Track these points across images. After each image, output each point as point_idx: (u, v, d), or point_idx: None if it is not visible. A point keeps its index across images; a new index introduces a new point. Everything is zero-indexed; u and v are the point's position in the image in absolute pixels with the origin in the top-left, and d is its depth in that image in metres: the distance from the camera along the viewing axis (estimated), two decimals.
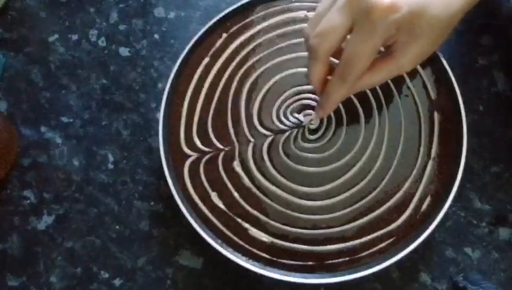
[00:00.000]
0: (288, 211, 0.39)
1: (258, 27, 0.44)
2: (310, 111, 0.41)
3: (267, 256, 0.38)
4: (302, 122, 0.41)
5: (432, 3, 0.34)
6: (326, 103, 0.37)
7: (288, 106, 0.42)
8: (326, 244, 0.38)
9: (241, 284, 0.40)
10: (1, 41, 0.47)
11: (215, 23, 0.44)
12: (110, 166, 0.43)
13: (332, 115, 0.41)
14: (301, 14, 0.44)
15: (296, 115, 0.41)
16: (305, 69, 0.43)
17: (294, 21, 0.44)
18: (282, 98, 0.42)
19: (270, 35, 0.44)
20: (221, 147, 0.41)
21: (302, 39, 0.43)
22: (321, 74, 0.36)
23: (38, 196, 0.43)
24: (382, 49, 0.38)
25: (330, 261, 0.37)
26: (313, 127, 0.41)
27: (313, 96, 0.42)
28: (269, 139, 0.41)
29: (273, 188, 0.39)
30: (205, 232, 0.38)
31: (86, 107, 0.45)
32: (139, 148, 0.44)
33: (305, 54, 0.43)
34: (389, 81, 0.42)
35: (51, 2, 0.49)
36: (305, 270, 0.37)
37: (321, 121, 0.41)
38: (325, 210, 0.39)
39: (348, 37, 0.34)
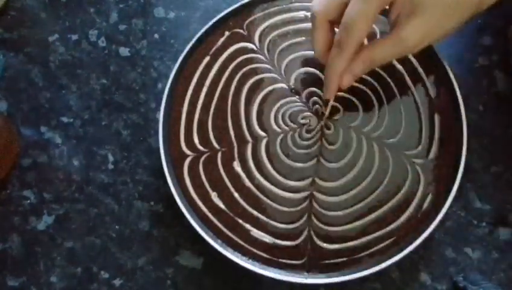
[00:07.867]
0: (289, 211, 0.39)
1: (258, 27, 0.44)
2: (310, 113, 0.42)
3: (267, 256, 0.38)
4: (301, 124, 0.41)
5: None
6: (327, 77, 0.37)
7: (288, 106, 0.42)
8: (326, 244, 0.38)
9: (241, 284, 0.40)
10: (1, 41, 0.47)
11: (215, 23, 0.44)
12: (110, 166, 0.43)
13: (335, 111, 0.41)
14: (301, 14, 0.44)
15: (296, 115, 0.41)
16: (305, 69, 0.43)
17: (295, 21, 0.44)
18: (282, 98, 0.42)
19: (270, 35, 0.44)
20: (221, 147, 0.41)
21: (302, 39, 0.43)
22: (322, 42, 0.37)
23: (38, 196, 0.43)
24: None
25: (330, 261, 0.37)
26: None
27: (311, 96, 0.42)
28: (269, 139, 0.41)
29: (272, 187, 0.39)
30: (205, 232, 0.38)
31: (86, 107, 0.45)
32: (139, 148, 0.44)
33: (306, 53, 0.43)
34: (389, 81, 0.42)
35: (50, 2, 0.49)
36: (305, 270, 0.37)
37: (321, 120, 0.41)
38: (326, 210, 0.39)
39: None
